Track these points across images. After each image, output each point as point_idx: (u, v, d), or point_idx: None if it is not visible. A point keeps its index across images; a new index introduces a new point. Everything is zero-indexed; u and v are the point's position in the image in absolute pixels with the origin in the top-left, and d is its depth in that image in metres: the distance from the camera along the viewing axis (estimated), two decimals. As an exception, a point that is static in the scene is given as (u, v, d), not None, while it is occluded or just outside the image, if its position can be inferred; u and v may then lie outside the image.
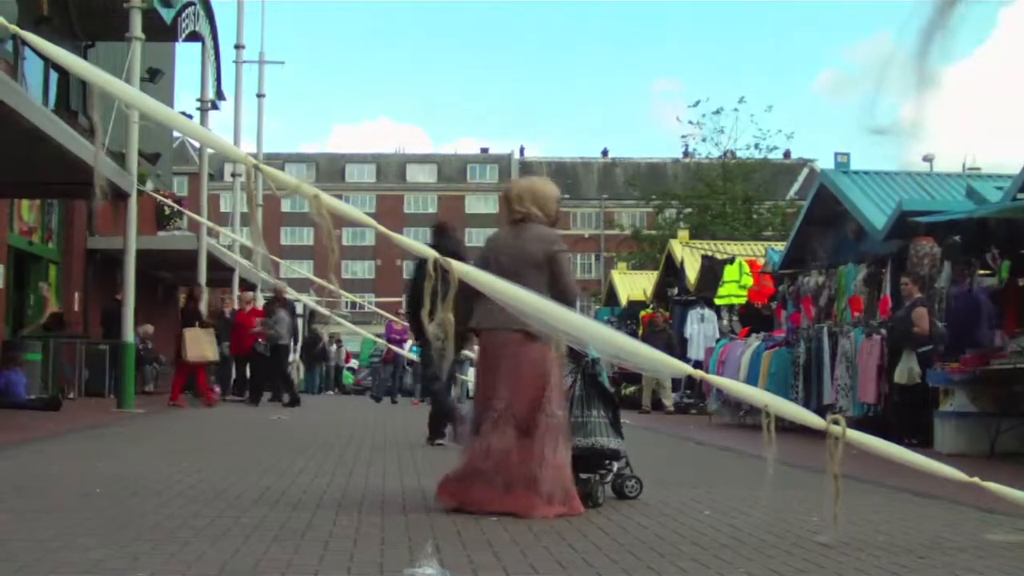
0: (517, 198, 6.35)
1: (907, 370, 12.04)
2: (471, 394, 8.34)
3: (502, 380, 6.05)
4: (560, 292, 6.11)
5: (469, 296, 6.00)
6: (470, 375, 12.03)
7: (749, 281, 20.06)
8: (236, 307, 21.06)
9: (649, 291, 28.64)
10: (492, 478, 5.93)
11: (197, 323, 17.68)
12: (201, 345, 17.15)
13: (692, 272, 24.04)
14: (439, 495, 6.15)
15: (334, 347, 33.37)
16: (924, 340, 11.98)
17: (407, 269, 77.79)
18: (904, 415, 12.12)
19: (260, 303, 31.01)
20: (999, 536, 5.57)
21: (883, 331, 13.06)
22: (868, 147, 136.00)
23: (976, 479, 5.57)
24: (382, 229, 6.21)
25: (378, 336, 25.30)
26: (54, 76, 19.21)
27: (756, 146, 46.74)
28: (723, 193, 45.12)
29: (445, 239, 10.78)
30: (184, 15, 20.10)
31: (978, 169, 23.34)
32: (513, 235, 6.32)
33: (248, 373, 19.92)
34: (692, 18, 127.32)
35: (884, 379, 12.73)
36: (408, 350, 23.68)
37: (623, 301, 31.22)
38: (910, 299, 12.38)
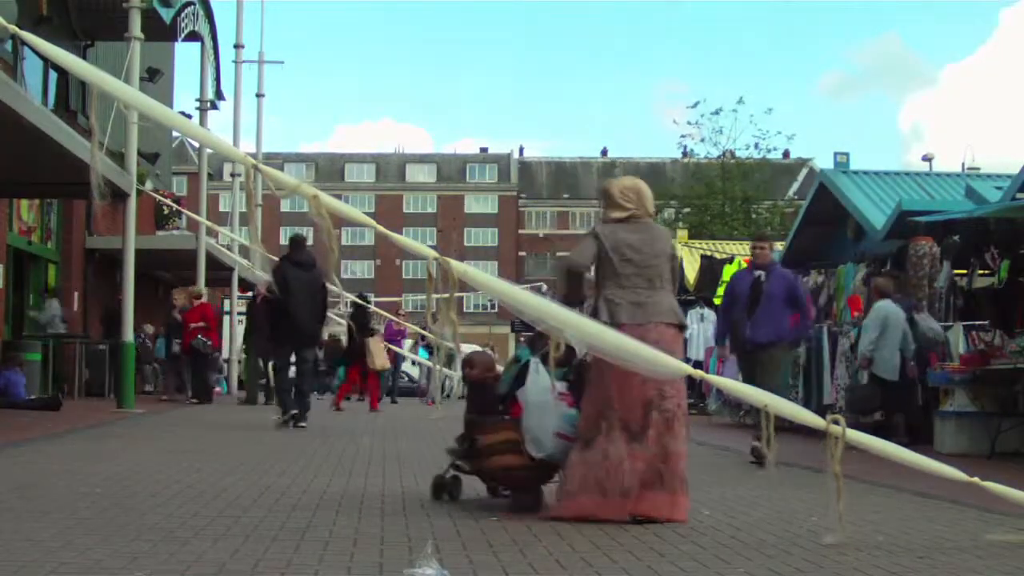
0: (623, 195, 6.39)
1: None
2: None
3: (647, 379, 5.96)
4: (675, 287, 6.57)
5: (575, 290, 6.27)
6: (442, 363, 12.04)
7: (748, 281, 20.01)
8: (185, 304, 19.59)
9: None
10: (608, 486, 5.88)
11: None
12: (382, 354, 18.61)
13: (691, 272, 24.04)
14: (547, 516, 5.93)
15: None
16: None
17: (406, 269, 77.98)
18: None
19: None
20: (999, 536, 5.57)
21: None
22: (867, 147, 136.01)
23: (976, 479, 5.57)
24: (381, 229, 6.21)
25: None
26: (53, 76, 19.20)
27: (755, 146, 46.82)
28: (722, 193, 45.15)
29: (300, 252, 12.80)
30: (183, 15, 20.11)
31: (977, 169, 23.35)
32: (635, 230, 6.30)
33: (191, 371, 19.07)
34: (696, 20, 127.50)
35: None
36: (408, 350, 23.74)
37: (623, 301, 31.18)
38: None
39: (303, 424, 12.50)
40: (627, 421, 5.98)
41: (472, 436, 6.28)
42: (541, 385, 6.14)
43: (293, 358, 13.23)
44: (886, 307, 11.89)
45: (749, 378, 9.36)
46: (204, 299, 19.39)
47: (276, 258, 14.00)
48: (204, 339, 18.29)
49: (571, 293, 6.27)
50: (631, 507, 5.87)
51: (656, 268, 6.24)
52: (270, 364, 15.73)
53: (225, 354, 25.40)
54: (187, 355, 18.68)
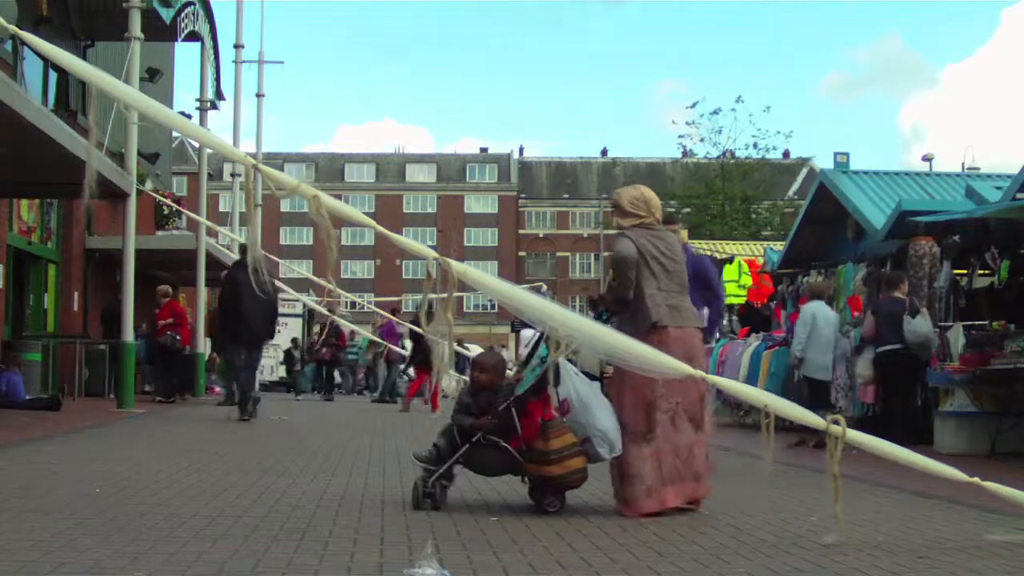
0: (633, 204, 6.59)
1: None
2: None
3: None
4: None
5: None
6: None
7: (748, 281, 20.06)
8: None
9: (648, 291, 28.61)
10: (684, 473, 6.20)
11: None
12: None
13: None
14: (635, 514, 6.06)
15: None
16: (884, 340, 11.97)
17: (406, 269, 77.95)
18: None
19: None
20: (999, 536, 5.57)
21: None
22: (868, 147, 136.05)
23: (976, 479, 5.57)
24: (381, 229, 6.21)
25: (374, 331, 25.29)
26: (53, 76, 19.19)
27: (755, 145, 46.85)
28: (722, 193, 45.17)
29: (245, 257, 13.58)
30: (183, 15, 20.08)
31: (977, 169, 23.35)
32: (655, 237, 6.52)
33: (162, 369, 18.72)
34: (697, 21, 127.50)
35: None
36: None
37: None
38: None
39: (250, 418, 13.63)
40: (689, 410, 6.24)
41: (524, 442, 6.08)
42: (587, 383, 6.23)
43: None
44: (814, 308, 12.40)
45: None
46: (171, 297, 18.94)
47: (275, 257, 14.45)
48: (173, 335, 18.05)
49: (627, 284, 6.38)
50: (692, 492, 6.25)
51: (682, 274, 6.53)
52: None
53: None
54: (160, 352, 18.35)
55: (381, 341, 23.54)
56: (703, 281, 8.59)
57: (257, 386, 14.63)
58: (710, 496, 6.40)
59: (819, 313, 12.31)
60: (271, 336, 14.66)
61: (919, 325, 11.63)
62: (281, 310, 28.19)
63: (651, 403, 6.14)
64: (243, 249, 14.42)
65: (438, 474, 6.10)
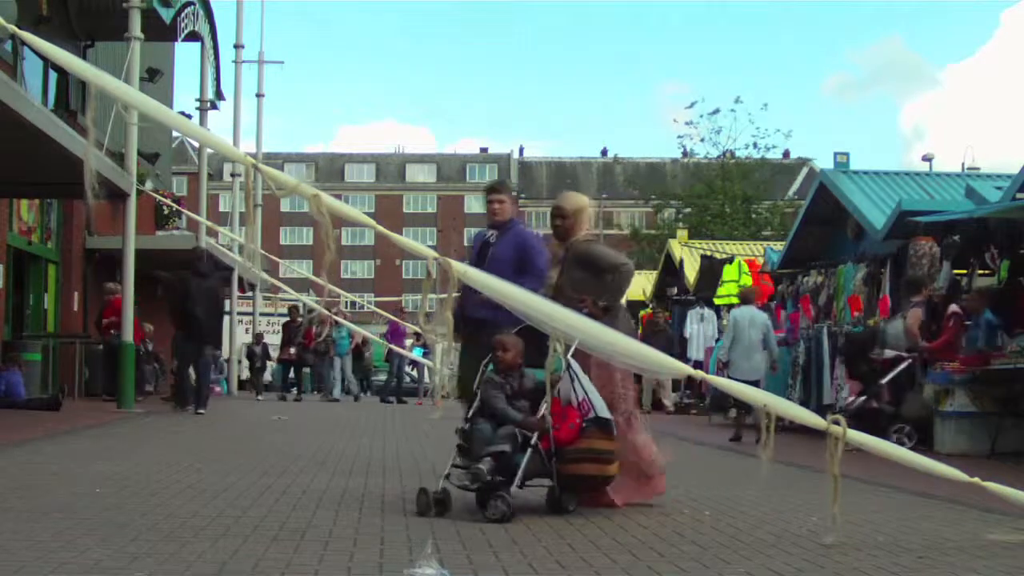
0: (588, 217, 6.96)
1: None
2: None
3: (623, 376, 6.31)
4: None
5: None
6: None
7: (748, 281, 20.05)
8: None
9: (648, 291, 28.64)
10: (636, 472, 6.38)
11: None
12: None
13: (691, 272, 24.05)
14: (609, 504, 6.26)
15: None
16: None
17: (406, 269, 77.99)
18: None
19: (260, 302, 31.14)
20: (998, 536, 5.57)
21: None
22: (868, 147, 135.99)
23: (976, 479, 5.57)
24: (381, 229, 6.21)
25: (381, 336, 25.22)
26: (53, 76, 19.19)
27: (754, 145, 46.84)
28: (722, 193, 45.15)
29: (200, 262, 15.61)
30: (183, 15, 20.08)
31: (977, 169, 23.35)
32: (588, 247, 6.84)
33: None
34: (698, 22, 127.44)
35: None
36: (409, 350, 23.69)
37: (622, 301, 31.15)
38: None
39: (202, 411, 14.75)
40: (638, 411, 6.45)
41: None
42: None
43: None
44: (736, 314, 13.36)
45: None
46: (117, 294, 18.36)
47: (275, 257, 14.69)
48: (118, 334, 17.81)
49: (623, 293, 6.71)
50: (643, 491, 6.36)
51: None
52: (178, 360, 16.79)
53: (225, 354, 25.35)
54: (107, 353, 17.70)
55: (383, 342, 23.54)
56: (524, 265, 7.42)
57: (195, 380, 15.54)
58: (663, 492, 6.60)
59: (741, 318, 13.11)
60: (219, 336, 16.27)
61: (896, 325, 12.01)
62: (265, 310, 27.91)
63: (611, 403, 6.18)
64: (199, 256, 16.04)
65: (513, 484, 5.80)
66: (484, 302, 6.57)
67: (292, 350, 23.85)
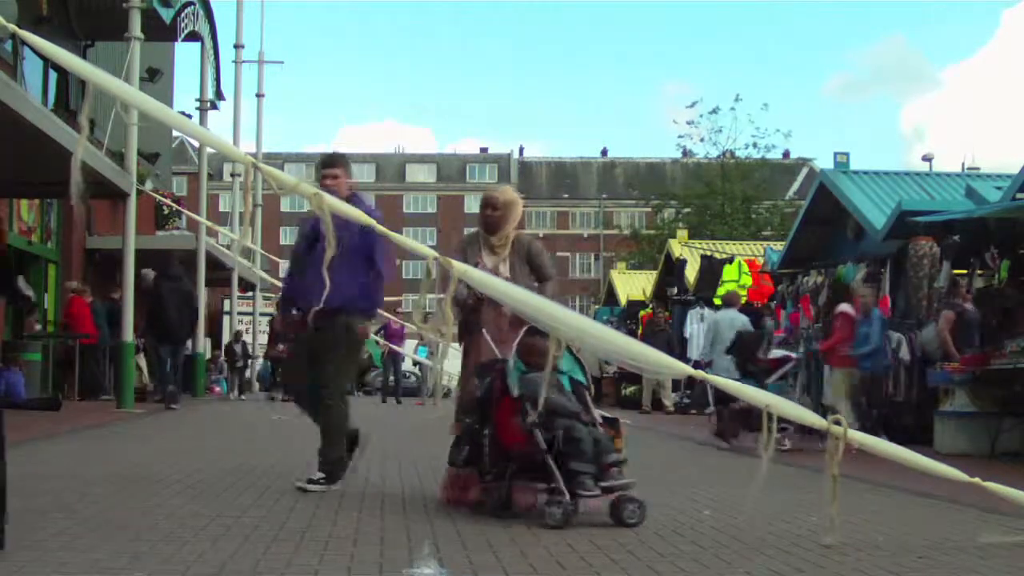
0: (509, 206, 6.74)
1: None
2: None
3: None
4: None
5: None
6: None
7: (748, 281, 20.08)
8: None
9: (648, 291, 28.66)
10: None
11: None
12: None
13: (691, 272, 24.05)
14: (442, 499, 6.31)
15: None
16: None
17: (406, 269, 77.96)
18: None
19: (260, 302, 31.12)
20: (996, 537, 5.55)
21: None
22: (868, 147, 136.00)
23: (977, 479, 5.57)
24: (381, 228, 6.21)
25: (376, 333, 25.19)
26: (53, 76, 19.20)
27: (754, 145, 46.83)
28: (722, 193, 45.14)
29: (171, 266, 16.35)
30: (183, 15, 20.09)
31: (977, 169, 23.36)
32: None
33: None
34: (699, 22, 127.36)
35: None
36: (415, 351, 23.70)
37: (622, 301, 31.22)
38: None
39: (175, 407, 15.56)
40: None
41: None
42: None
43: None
44: (718, 316, 13.95)
45: (310, 361, 6.93)
46: (75, 293, 17.80)
47: (275, 257, 14.85)
48: (72, 335, 17.34)
49: None
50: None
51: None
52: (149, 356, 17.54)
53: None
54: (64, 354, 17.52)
55: (381, 342, 23.54)
56: (365, 250, 6.99)
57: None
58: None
59: (723, 320, 13.57)
60: (188, 337, 17.21)
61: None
62: (265, 310, 27.82)
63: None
64: (170, 261, 16.75)
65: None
66: (338, 288, 6.37)
67: (280, 347, 23.27)
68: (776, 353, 12.50)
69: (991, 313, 11.96)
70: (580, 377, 6.13)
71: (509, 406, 5.86)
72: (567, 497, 5.55)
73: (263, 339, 27.32)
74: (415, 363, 24.55)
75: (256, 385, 28.22)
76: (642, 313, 25.44)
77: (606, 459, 5.78)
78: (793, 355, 12.52)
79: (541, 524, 5.62)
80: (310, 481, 6.71)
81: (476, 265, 6.25)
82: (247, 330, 28.80)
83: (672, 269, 26.19)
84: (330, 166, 7.00)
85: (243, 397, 23.04)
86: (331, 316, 6.71)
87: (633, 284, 33.68)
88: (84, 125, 5.60)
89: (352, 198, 6.81)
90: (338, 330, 6.79)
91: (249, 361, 26.38)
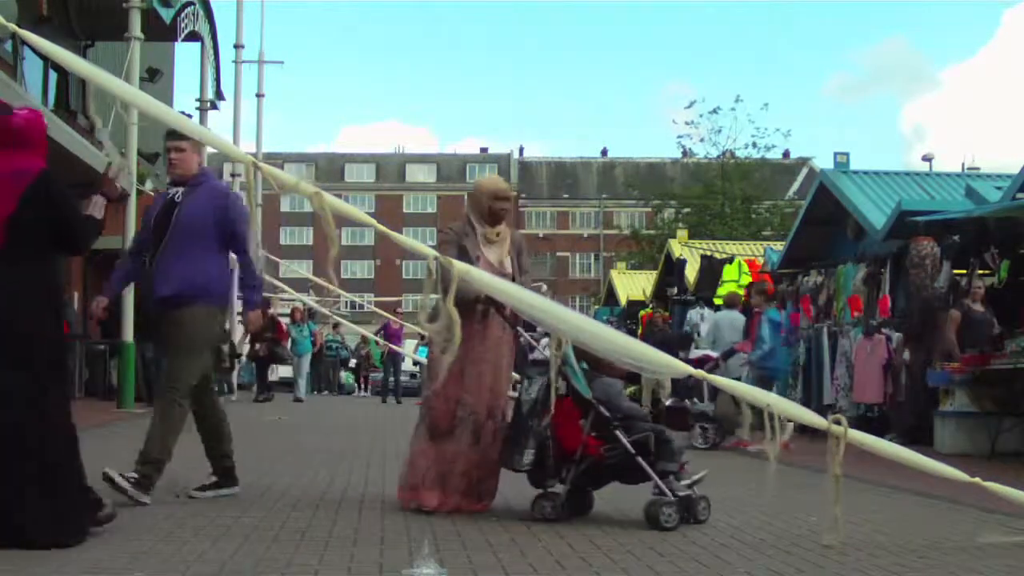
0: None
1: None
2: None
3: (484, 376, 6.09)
4: None
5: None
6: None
7: (748, 281, 20.04)
8: None
9: (648, 291, 28.65)
10: (455, 482, 6.03)
11: None
12: None
13: (691, 272, 24.04)
14: (402, 501, 6.13)
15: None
16: None
17: (406, 269, 78.00)
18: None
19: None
20: (995, 538, 5.55)
21: (885, 330, 13.10)
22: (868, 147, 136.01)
23: (977, 479, 5.57)
24: (382, 228, 6.20)
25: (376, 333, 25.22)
26: (53, 76, 19.19)
27: (754, 145, 46.83)
28: (722, 193, 45.14)
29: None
30: (183, 15, 20.07)
31: (977, 169, 23.36)
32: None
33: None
34: (700, 22, 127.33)
35: (888, 378, 12.78)
36: (415, 351, 23.70)
37: (622, 301, 31.22)
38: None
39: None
40: (477, 420, 6.05)
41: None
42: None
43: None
44: (718, 317, 14.16)
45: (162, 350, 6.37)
46: None
47: (275, 257, 14.68)
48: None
49: None
50: (457, 505, 5.98)
51: None
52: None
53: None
54: None
55: (381, 342, 23.54)
56: (224, 232, 6.36)
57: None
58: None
59: (722, 320, 13.79)
60: None
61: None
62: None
63: (491, 409, 6.09)
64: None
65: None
66: (174, 277, 6.14)
67: (258, 346, 22.57)
68: (696, 353, 12.85)
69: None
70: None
71: (569, 409, 5.80)
72: (671, 496, 5.61)
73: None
74: (415, 363, 24.53)
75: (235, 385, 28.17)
76: (642, 313, 25.42)
77: (680, 459, 5.88)
78: (713, 354, 12.43)
79: (541, 524, 5.62)
80: (198, 489, 6.44)
81: (477, 259, 6.18)
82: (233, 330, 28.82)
83: (672, 269, 26.19)
84: (174, 138, 6.39)
85: (233, 398, 22.98)
86: (173, 307, 6.25)
87: (633, 284, 33.70)
88: (97, 121, 5.59)
89: (204, 178, 6.49)
90: (182, 323, 6.26)
91: (236, 361, 26.31)
